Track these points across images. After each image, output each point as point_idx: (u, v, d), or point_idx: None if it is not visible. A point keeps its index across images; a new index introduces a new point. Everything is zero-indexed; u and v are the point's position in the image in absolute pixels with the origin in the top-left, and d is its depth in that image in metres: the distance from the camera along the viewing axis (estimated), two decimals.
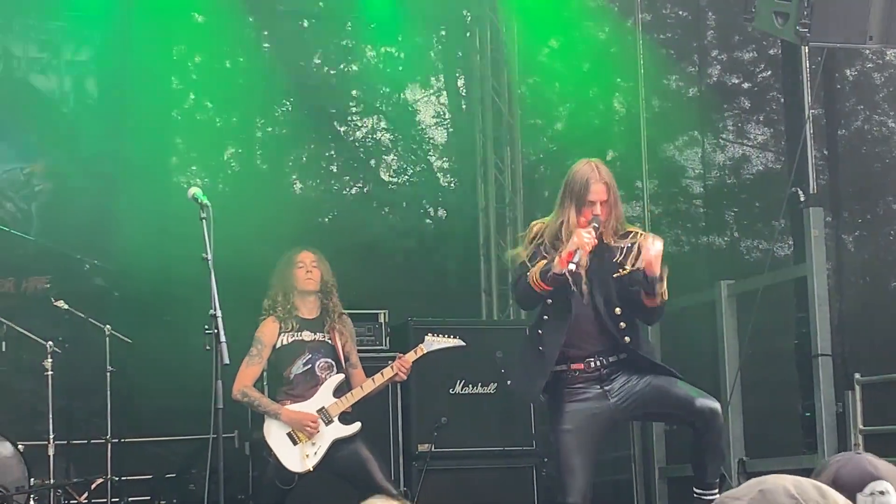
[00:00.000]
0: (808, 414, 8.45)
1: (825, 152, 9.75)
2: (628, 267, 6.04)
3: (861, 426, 8.11)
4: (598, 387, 6.19)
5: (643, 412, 6.41)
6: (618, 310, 6.16)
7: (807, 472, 7.27)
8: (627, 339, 6.17)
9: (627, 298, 6.16)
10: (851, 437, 8.11)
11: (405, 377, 7.41)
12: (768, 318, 8.74)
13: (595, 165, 6.21)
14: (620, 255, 6.14)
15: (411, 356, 7.37)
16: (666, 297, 6.08)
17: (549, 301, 6.16)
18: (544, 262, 6.07)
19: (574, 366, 6.18)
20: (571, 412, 6.15)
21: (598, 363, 6.18)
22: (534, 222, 6.43)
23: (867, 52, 9.45)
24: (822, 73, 8.55)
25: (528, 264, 6.16)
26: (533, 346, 6.27)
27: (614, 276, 6.11)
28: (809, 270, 8.31)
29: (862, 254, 10.15)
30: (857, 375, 8.20)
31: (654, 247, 5.98)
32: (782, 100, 10.01)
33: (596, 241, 6.04)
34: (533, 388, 6.28)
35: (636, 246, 6.08)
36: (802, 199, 8.34)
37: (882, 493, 2.85)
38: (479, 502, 9.15)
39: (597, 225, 6.07)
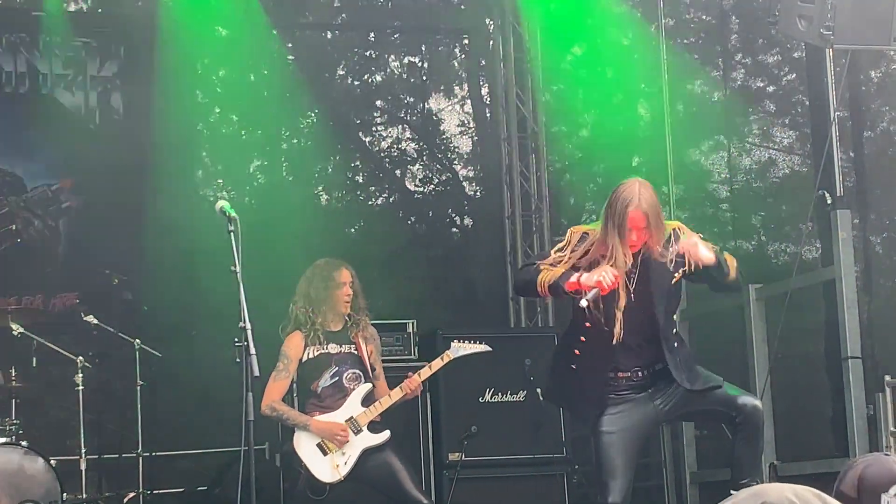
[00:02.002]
0: (838, 417, 8.41)
1: (851, 154, 9.72)
2: (687, 270, 6.07)
3: (892, 428, 8.07)
4: (644, 392, 6.19)
5: (686, 411, 6.37)
6: (674, 316, 6.19)
7: (838, 475, 7.21)
8: (676, 343, 6.19)
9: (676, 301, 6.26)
10: (882, 440, 8.07)
11: (412, 397, 7.42)
12: (797, 321, 8.72)
13: (638, 190, 5.95)
14: (671, 262, 6.14)
15: (437, 363, 7.38)
16: (736, 264, 6.11)
17: (588, 325, 6.11)
18: (561, 270, 6.03)
19: (620, 374, 6.18)
20: (615, 415, 6.14)
21: (644, 373, 6.19)
22: (575, 228, 6.29)
23: (892, 53, 9.43)
24: (846, 75, 8.53)
25: (546, 256, 6.14)
26: (566, 363, 6.24)
27: (673, 282, 6.12)
28: (838, 273, 8.28)
29: (890, 255, 10.13)
30: (888, 378, 8.16)
31: (693, 247, 5.97)
32: (807, 102, 10.00)
33: (615, 285, 6.00)
34: (585, 412, 6.25)
35: (680, 248, 6.09)
36: (829, 201, 8.31)
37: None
38: None
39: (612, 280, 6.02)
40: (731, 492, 6.19)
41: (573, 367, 6.17)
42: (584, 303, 5.86)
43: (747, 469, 6.25)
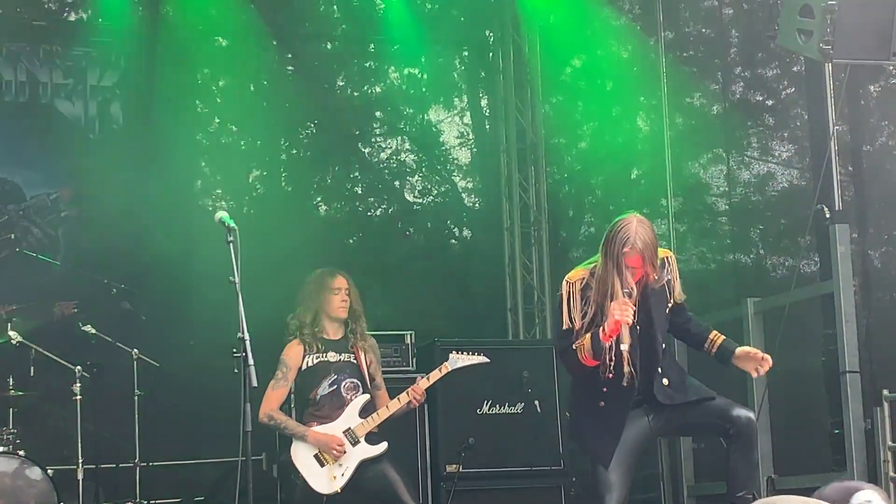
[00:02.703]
0: (836, 431, 8.41)
1: (850, 168, 9.73)
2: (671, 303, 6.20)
3: (890, 442, 8.08)
4: (640, 410, 6.23)
5: (680, 424, 6.40)
6: (664, 345, 6.25)
7: None
8: (667, 365, 6.25)
9: (673, 308, 6.32)
10: (880, 454, 8.08)
11: (418, 404, 7.42)
12: (795, 334, 8.72)
13: (635, 230, 6.02)
14: (668, 290, 6.22)
15: (435, 375, 7.38)
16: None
17: (611, 376, 6.13)
18: (588, 338, 6.07)
19: (604, 389, 6.20)
20: None
21: (642, 396, 6.23)
22: (571, 277, 6.26)
23: (891, 68, 9.44)
24: (845, 89, 8.54)
25: (579, 334, 6.13)
26: (595, 401, 6.24)
27: (667, 309, 6.19)
28: (836, 287, 8.29)
29: (889, 269, 10.12)
30: (886, 392, 8.17)
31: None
32: (806, 116, 10.00)
33: (634, 308, 6.04)
34: (605, 452, 6.24)
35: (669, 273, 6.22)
36: (828, 215, 8.32)
37: (868, 501, 2.86)
38: None
39: (629, 291, 6.05)
40: None
41: (602, 403, 6.20)
42: (625, 347, 5.99)
43: (743, 481, 6.26)
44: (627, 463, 6.22)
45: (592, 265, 6.19)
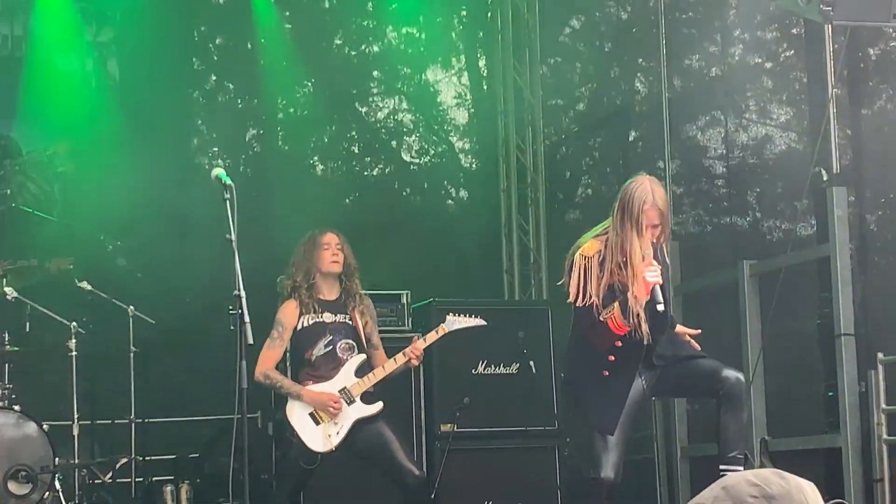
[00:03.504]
0: (830, 394, 8.43)
1: (848, 132, 9.71)
2: None
3: (884, 405, 8.09)
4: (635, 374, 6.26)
5: (670, 384, 6.42)
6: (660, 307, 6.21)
7: (829, 452, 7.22)
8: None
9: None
10: (874, 417, 8.10)
11: (417, 363, 7.42)
12: (791, 298, 8.72)
13: (650, 188, 6.06)
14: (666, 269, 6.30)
15: (432, 336, 7.38)
16: None
17: (620, 343, 6.14)
18: (618, 309, 6.06)
19: (611, 358, 6.21)
20: None
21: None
22: (584, 250, 6.22)
23: (891, 30, 9.41)
24: (845, 51, 8.51)
25: (599, 308, 6.11)
26: (598, 371, 6.24)
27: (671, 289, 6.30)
28: (832, 250, 8.29)
29: (885, 233, 10.12)
30: (880, 355, 8.18)
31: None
32: (805, 79, 9.97)
33: (660, 266, 6.08)
34: (608, 419, 6.25)
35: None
36: (825, 178, 8.31)
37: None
38: (502, 482, 9.17)
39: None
40: (720, 468, 6.25)
41: (606, 373, 6.20)
42: (661, 307, 5.99)
43: (733, 441, 6.29)
44: (623, 425, 6.26)
45: (604, 235, 6.19)
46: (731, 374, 6.27)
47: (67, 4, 10.90)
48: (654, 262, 6.03)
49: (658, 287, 6.00)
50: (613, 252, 6.11)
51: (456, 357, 9.08)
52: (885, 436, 8.06)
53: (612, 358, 6.19)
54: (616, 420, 6.20)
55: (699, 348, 6.44)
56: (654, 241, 6.13)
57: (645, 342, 6.13)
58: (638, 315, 6.07)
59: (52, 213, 10.54)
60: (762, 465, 8.64)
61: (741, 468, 6.19)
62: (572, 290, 6.16)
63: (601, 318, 6.06)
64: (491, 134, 12.03)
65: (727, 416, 6.27)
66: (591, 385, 6.28)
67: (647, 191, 6.04)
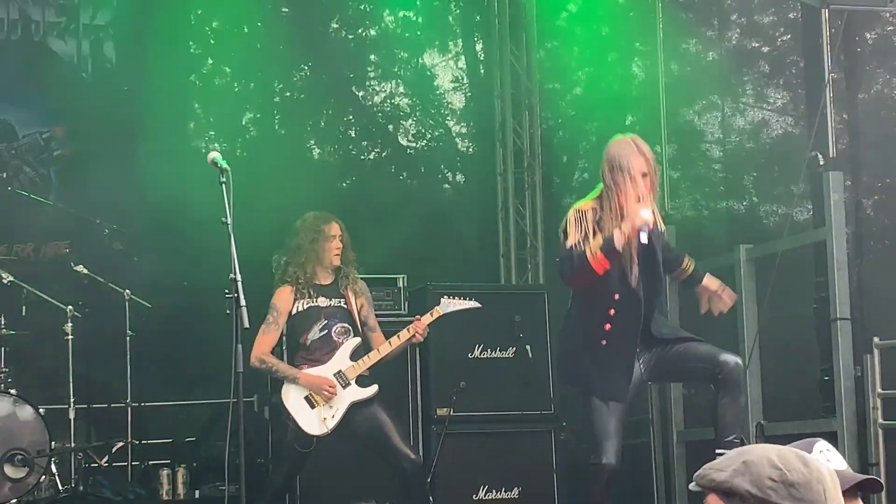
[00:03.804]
0: (826, 378, 8.44)
1: (845, 116, 9.72)
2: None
3: (879, 390, 8.10)
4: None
5: (668, 370, 6.43)
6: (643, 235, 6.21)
7: (825, 436, 7.26)
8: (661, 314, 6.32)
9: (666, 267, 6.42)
10: (870, 401, 8.11)
11: (422, 339, 7.42)
12: (787, 282, 8.73)
13: (632, 140, 6.19)
14: (658, 237, 6.32)
15: (427, 318, 7.38)
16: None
17: (617, 297, 6.16)
18: (599, 237, 6.06)
19: (607, 327, 6.22)
20: None
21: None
22: (575, 207, 6.27)
23: (887, 15, 9.40)
24: (842, 36, 8.51)
25: (580, 245, 6.10)
26: (596, 341, 6.24)
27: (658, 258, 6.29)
28: (828, 234, 8.29)
29: (881, 217, 10.13)
30: (876, 339, 8.19)
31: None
32: (802, 64, 9.97)
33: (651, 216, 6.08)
34: (617, 387, 6.24)
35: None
36: (822, 162, 8.31)
37: (828, 450, 2.86)
38: (499, 466, 9.18)
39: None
40: (717, 451, 6.25)
41: (603, 342, 6.20)
42: (645, 238, 6.01)
43: (731, 425, 6.31)
44: (621, 410, 6.27)
45: (598, 196, 6.20)
46: (729, 358, 6.30)
47: None
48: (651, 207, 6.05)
49: (644, 227, 6.01)
50: (609, 207, 6.12)
51: (452, 341, 9.08)
52: (880, 420, 8.07)
53: (609, 326, 6.19)
54: (626, 388, 6.19)
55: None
56: (648, 191, 6.16)
57: (633, 283, 6.13)
58: (630, 257, 6.09)
59: (48, 197, 10.53)
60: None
61: None
62: (570, 237, 6.16)
63: (583, 252, 6.05)
64: (488, 118, 12.01)
65: (725, 400, 6.29)
66: (590, 358, 6.27)
67: (629, 143, 6.18)
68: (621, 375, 6.22)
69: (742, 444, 6.34)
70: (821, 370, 8.58)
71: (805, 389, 9.08)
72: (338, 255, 7.43)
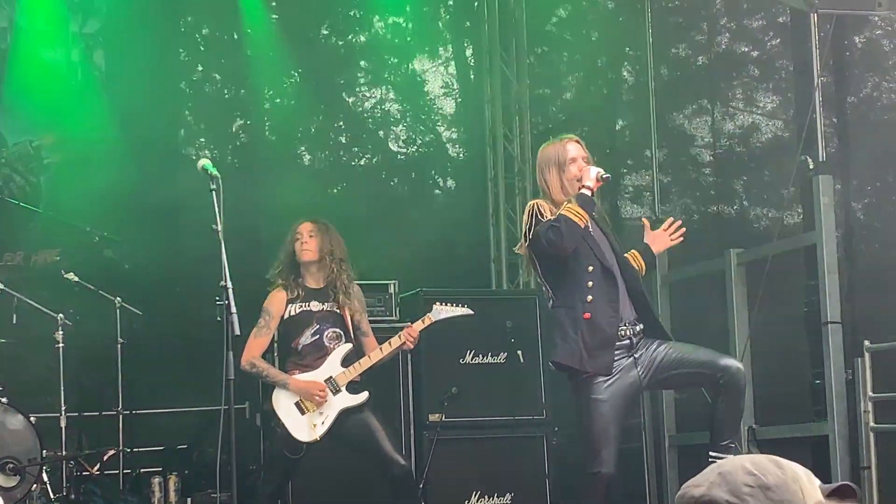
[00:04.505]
0: (817, 381, 8.45)
1: (834, 120, 9.73)
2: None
3: (870, 393, 8.11)
4: (628, 356, 6.24)
5: (667, 374, 6.41)
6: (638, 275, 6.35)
7: (816, 439, 7.26)
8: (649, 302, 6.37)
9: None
10: (861, 405, 8.12)
11: (413, 346, 7.43)
12: (778, 286, 8.74)
13: (556, 139, 6.47)
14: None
15: (419, 325, 7.38)
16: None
17: (591, 269, 6.21)
18: (567, 202, 6.22)
19: (588, 299, 6.23)
20: (605, 381, 6.18)
21: (630, 331, 6.25)
22: (531, 202, 6.47)
23: (876, 18, 9.42)
24: (830, 40, 8.52)
25: (552, 214, 6.26)
26: (579, 315, 6.26)
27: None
28: (819, 238, 8.30)
29: (871, 221, 10.14)
30: (867, 342, 8.20)
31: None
32: (791, 68, 9.99)
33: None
34: (601, 361, 6.25)
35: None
36: (812, 166, 8.31)
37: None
38: (491, 471, 9.18)
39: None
40: (710, 454, 6.25)
41: (587, 315, 6.21)
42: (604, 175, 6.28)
43: (728, 431, 6.30)
44: (620, 416, 6.26)
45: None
46: (731, 362, 6.30)
47: None
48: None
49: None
50: (554, 202, 6.32)
51: (444, 347, 9.08)
52: (871, 423, 8.08)
53: (590, 298, 6.21)
54: (611, 361, 6.18)
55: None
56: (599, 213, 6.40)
57: (618, 278, 6.23)
58: (597, 232, 6.31)
59: (38, 204, 10.52)
60: (749, 454, 8.65)
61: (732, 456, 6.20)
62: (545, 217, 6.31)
63: (560, 212, 6.19)
64: (478, 123, 12.03)
65: (726, 404, 6.26)
66: (577, 334, 6.27)
67: (553, 142, 6.46)
68: (606, 349, 6.21)
69: (737, 449, 6.34)
70: (812, 374, 8.59)
71: (796, 393, 9.09)
72: (305, 251, 7.42)
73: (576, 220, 6.13)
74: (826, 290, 8.21)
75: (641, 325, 6.30)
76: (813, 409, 8.59)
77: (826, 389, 8.24)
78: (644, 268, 6.63)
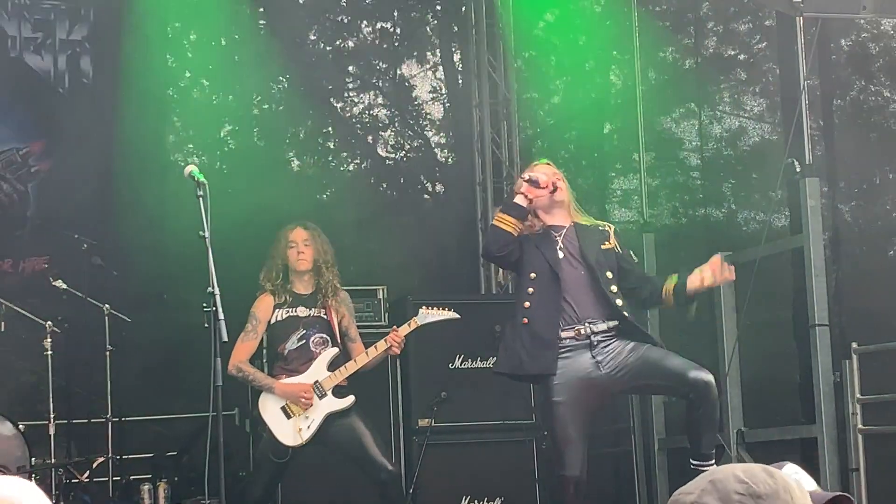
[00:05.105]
0: (805, 384, 8.47)
1: (821, 122, 9.76)
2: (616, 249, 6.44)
3: (858, 395, 8.13)
4: (589, 355, 6.23)
5: (637, 383, 6.44)
6: (609, 273, 6.31)
7: (804, 441, 7.29)
8: (619, 302, 6.29)
9: (620, 269, 6.46)
10: (849, 407, 8.14)
11: (398, 351, 7.43)
12: (765, 288, 8.76)
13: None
14: (600, 230, 6.56)
15: (405, 329, 7.39)
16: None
17: (533, 275, 6.26)
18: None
19: (563, 333, 6.24)
20: (563, 383, 6.20)
21: (588, 330, 6.24)
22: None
23: (862, 21, 9.45)
24: (816, 43, 8.54)
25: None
26: (518, 322, 6.33)
27: (602, 247, 6.34)
28: (806, 240, 8.32)
29: (859, 223, 10.18)
30: (854, 345, 8.22)
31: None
32: (778, 71, 10.02)
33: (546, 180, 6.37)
34: (544, 361, 6.27)
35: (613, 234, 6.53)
36: (798, 169, 8.34)
37: (797, 472, 2.88)
38: (480, 476, 9.18)
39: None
40: (693, 462, 6.27)
41: (525, 321, 6.25)
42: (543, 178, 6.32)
43: (706, 442, 6.31)
44: (583, 417, 6.25)
45: None
46: (699, 377, 6.23)
47: (39, 2, 10.85)
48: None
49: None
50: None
51: (433, 351, 9.08)
52: (860, 425, 8.10)
53: (527, 304, 6.27)
54: (553, 361, 6.20)
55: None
56: (573, 217, 6.50)
57: (561, 283, 6.25)
58: (550, 238, 6.38)
59: (26, 212, 10.50)
60: (739, 456, 8.66)
61: (713, 462, 6.22)
62: None
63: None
64: (466, 128, 12.02)
65: (696, 417, 6.28)
66: (517, 339, 6.32)
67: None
68: (546, 350, 6.23)
69: (720, 452, 6.36)
70: (800, 376, 8.61)
71: (785, 396, 9.11)
72: (302, 260, 7.44)
73: (502, 226, 6.29)
74: (814, 292, 8.22)
75: (611, 324, 6.29)
76: (801, 412, 8.61)
77: (814, 392, 8.25)
78: (671, 294, 6.54)
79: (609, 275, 6.35)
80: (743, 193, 11.32)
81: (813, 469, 8.12)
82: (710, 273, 6.39)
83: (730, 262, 9.15)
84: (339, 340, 7.44)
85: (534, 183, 6.33)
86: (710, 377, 6.27)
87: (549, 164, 6.59)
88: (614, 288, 6.33)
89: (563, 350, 6.23)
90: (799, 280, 8.55)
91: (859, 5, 7.54)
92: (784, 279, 8.89)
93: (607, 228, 6.60)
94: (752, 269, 8.42)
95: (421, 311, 7.46)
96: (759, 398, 9.30)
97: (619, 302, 6.31)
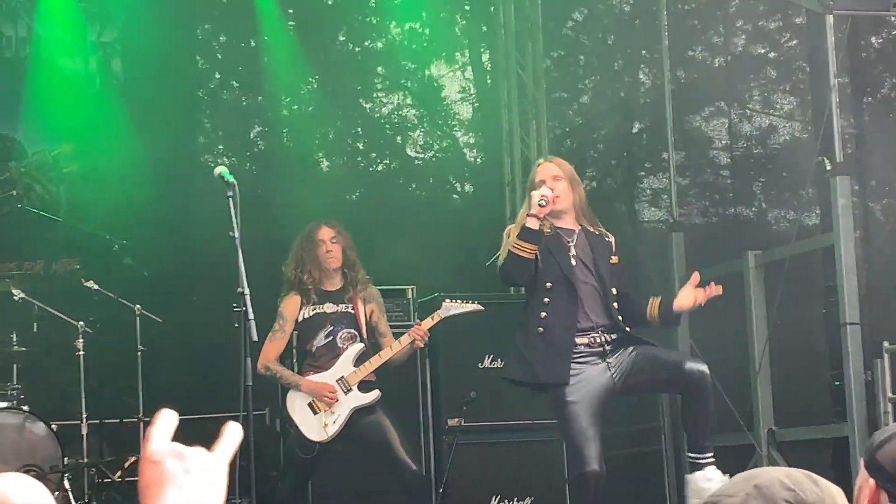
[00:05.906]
0: (836, 383, 8.44)
1: (852, 120, 9.72)
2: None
3: (890, 394, 8.10)
4: (601, 361, 6.28)
5: (635, 382, 6.46)
6: (614, 290, 6.37)
7: (836, 441, 7.27)
8: (620, 317, 6.35)
9: (619, 284, 6.51)
10: (881, 406, 8.10)
11: (422, 344, 7.43)
12: (796, 287, 8.73)
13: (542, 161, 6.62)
14: (608, 241, 6.56)
15: (428, 322, 7.40)
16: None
17: (549, 285, 6.27)
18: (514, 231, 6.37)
19: (578, 340, 6.27)
20: (576, 385, 6.24)
21: (602, 339, 6.29)
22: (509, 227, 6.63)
23: (892, 19, 9.41)
24: (847, 41, 8.51)
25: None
26: (533, 330, 6.34)
27: (609, 261, 6.37)
28: (837, 239, 8.29)
29: (890, 221, 10.14)
30: (886, 344, 8.18)
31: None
32: (808, 69, 9.98)
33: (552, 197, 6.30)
34: (557, 369, 6.29)
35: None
36: (829, 167, 8.31)
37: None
38: (510, 475, 9.18)
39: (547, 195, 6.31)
40: (690, 455, 6.30)
41: (540, 329, 6.26)
42: (543, 202, 6.24)
43: (702, 433, 6.33)
44: (596, 417, 6.27)
45: None
46: (694, 367, 6.31)
47: (70, 5, 10.90)
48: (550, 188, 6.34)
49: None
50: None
51: (462, 351, 9.09)
52: (891, 424, 8.06)
53: (543, 314, 6.27)
54: (567, 370, 6.21)
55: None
56: (583, 224, 6.48)
57: (579, 293, 6.25)
58: (564, 246, 6.37)
59: (57, 213, 10.55)
60: (770, 456, 8.64)
61: (710, 455, 6.25)
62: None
63: (509, 249, 6.32)
64: (495, 128, 12.02)
65: (694, 408, 6.32)
66: (530, 349, 6.34)
67: (540, 164, 6.58)
68: (560, 358, 6.25)
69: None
70: (831, 375, 8.58)
71: (816, 395, 9.08)
72: (330, 258, 7.46)
73: (522, 254, 6.27)
74: (845, 291, 8.20)
75: (616, 335, 6.36)
76: (832, 411, 8.58)
77: (846, 391, 8.22)
78: (657, 317, 6.56)
79: (614, 291, 6.43)
80: (773, 192, 11.28)
81: (844, 468, 8.10)
82: (703, 292, 6.44)
83: (761, 261, 9.19)
84: (365, 336, 7.45)
85: (544, 204, 6.32)
86: (704, 367, 6.35)
87: (550, 161, 6.59)
88: (616, 304, 6.40)
89: (576, 355, 6.28)
90: (830, 279, 8.53)
91: (889, 2, 7.51)
92: (815, 278, 8.87)
93: (610, 238, 6.60)
94: (783, 267, 8.39)
95: (444, 303, 7.48)
96: (791, 397, 9.26)
97: (620, 317, 6.39)
